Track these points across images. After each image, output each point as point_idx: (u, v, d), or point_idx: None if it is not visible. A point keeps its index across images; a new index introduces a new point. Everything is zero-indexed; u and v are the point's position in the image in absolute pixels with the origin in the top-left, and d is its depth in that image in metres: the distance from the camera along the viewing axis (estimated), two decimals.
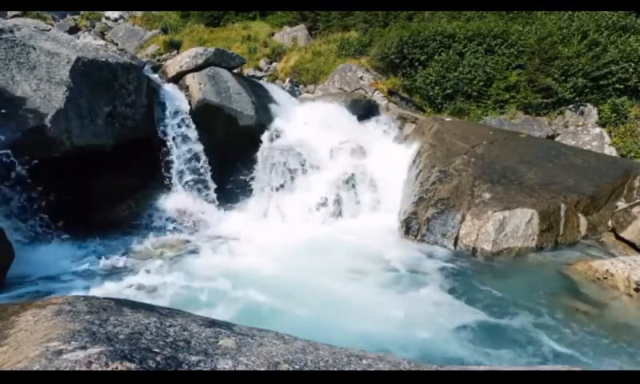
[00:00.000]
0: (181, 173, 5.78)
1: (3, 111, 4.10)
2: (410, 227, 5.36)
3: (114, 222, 5.35)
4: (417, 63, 9.36)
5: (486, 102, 8.75)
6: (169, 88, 6.08)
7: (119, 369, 1.31)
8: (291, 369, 1.56)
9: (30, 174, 4.29)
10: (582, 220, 5.39)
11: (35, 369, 1.29)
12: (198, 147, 5.87)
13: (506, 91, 8.64)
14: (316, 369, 1.60)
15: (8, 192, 4.26)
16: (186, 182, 5.81)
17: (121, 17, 15.57)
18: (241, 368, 1.51)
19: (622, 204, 5.67)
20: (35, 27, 5.17)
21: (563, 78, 8.24)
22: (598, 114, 8.27)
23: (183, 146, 5.80)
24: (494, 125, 8.08)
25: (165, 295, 3.95)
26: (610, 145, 7.75)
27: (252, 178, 6.36)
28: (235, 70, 7.20)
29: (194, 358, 1.52)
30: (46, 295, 3.67)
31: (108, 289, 4.01)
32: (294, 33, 12.75)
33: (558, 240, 5.18)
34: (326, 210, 6.09)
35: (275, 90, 7.81)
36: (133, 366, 1.34)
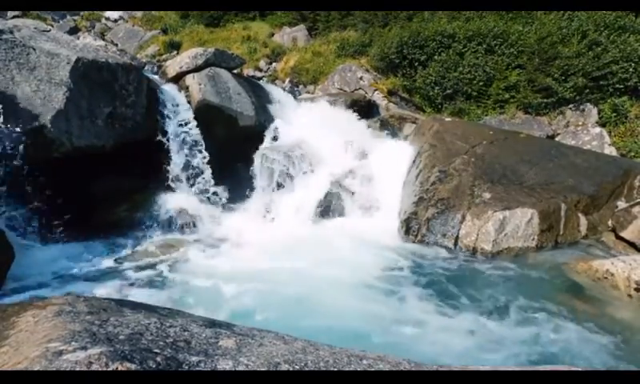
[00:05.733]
0: (181, 173, 5.78)
1: (2, 111, 4.11)
2: (410, 227, 5.35)
3: (114, 223, 5.35)
4: (417, 63, 9.36)
5: (485, 101, 8.75)
6: (169, 89, 6.08)
7: (119, 369, 1.31)
8: (291, 369, 1.56)
9: (31, 174, 4.29)
10: (582, 220, 5.39)
11: (35, 369, 1.29)
12: (198, 148, 5.87)
13: (506, 91, 8.64)
14: (316, 369, 1.60)
15: (8, 193, 4.26)
16: (186, 183, 5.81)
17: (121, 18, 15.57)
18: (241, 368, 1.51)
19: (622, 203, 5.66)
20: (35, 28, 5.17)
21: (563, 77, 8.24)
22: (598, 113, 8.27)
23: (183, 146, 5.81)
24: (494, 125, 8.07)
25: (165, 295, 3.96)
26: (610, 144, 7.75)
27: (252, 178, 6.36)
28: (235, 71, 7.20)
29: (194, 359, 1.52)
30: (46, 296, 3.68)
31: (108, 289, 4.02)
32: (294, 33, 12.76)
33: (558, 240, 5.17)
34: (326, 210, 6.09)
35: (275, 91, 7.81)
36: (133, 367, 1.34)
